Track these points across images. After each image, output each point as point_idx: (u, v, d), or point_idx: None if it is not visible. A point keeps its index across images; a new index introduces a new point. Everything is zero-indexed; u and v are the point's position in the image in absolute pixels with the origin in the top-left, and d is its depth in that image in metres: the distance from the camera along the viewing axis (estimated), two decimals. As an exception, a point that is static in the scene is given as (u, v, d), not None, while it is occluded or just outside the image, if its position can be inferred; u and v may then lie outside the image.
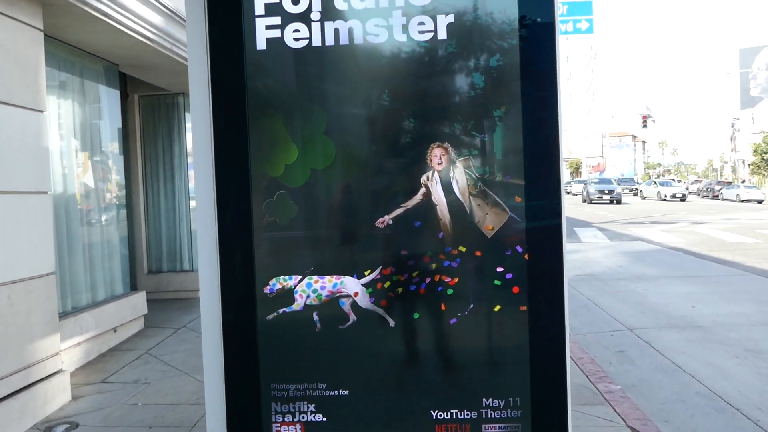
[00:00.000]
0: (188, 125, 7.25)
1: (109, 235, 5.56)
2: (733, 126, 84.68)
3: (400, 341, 2.28)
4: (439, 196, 2.22)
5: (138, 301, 5.78)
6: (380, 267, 2.24)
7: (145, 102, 7.14)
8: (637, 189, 47.93)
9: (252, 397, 2.32)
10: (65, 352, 4.50)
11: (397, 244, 2.24)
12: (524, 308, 2.20)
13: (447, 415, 2.23)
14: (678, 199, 39.28)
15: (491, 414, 2.22)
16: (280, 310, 2.27)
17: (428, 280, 2.23)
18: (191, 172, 7.39)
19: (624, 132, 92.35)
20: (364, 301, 2.25)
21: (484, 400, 2.23)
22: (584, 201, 37.09)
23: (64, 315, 4.61)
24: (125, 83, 6.51)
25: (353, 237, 2.31)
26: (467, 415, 2.22)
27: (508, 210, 2.20)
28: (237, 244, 2.27)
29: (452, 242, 2.22)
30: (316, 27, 2.19)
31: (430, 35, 2.17)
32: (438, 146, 2.20)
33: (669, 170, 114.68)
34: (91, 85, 5.23)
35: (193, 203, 7.20)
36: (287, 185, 2.24)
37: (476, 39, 2.18)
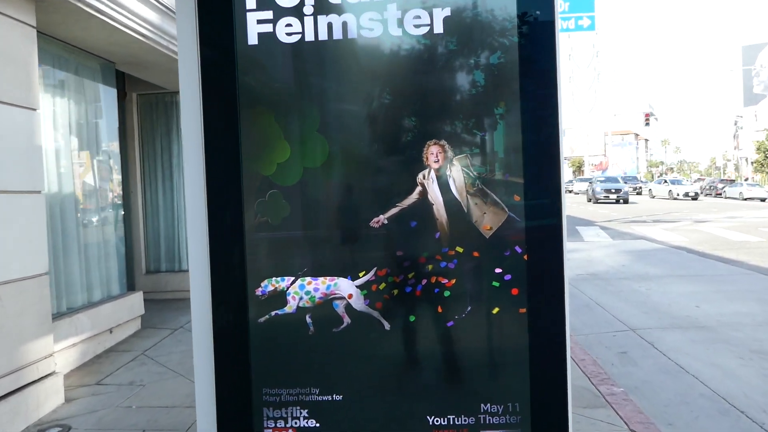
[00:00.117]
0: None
1: (106, 234, 5.51)
2: (736, 124, 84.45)
3: (395, 345, 2.22)
4: (435, 195, 2.15)
5: (135, 302, 5.72)
6: (375, 268, 2.17)
7: (143, 100, 7.08)
8: (641, 187, 47.40)
9: (243, 402, 2.25)
10: (60, 353, 4.45)
11: (393, 244, 2.18)
12: (523, 310, 2.13)
13: (444, 421, 2.16)
14: (690, 198, 38.22)
15: (490, 420, 2.16)
16: (272, 313, 2.21)
17: (424, 281, 2.16)
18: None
19: (626, 130, 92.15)
20: (358, 303, 2.19)
21: (482, 405, 2.16)
22: (589, 200, 35.92)
23: (58, 316, 4.56)
24: (123, 82, 6.45)
25: (347, 237, 2.24)
26: (465, 420, 2.16)
27: (506, 209, 2.13)
28: (228, 245, 2.21)
29: (449, 242, 2.15)
30: (309, 21, 2.13)
31: (426, 29, 2.10)
32: (434, 144, 2.14)
33: (672, 168, 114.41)
34: (87, 83, 5.17)
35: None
36: (280, 184, 2.18)
37: (474, 34, 2.11)
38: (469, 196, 2.15)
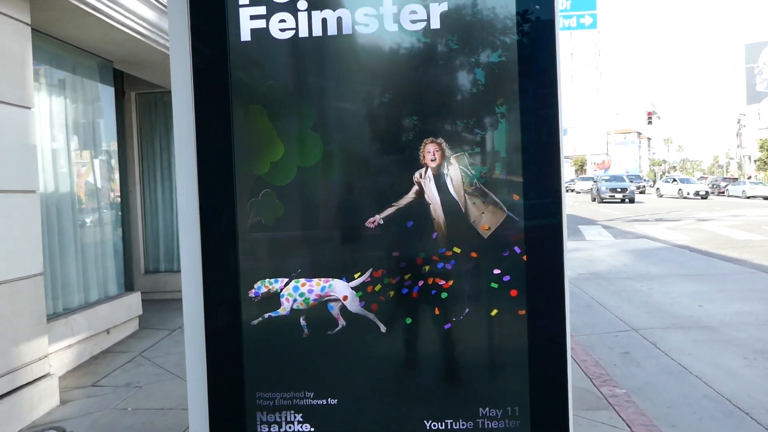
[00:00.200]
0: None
1: (103, 234, 5.47)
2: (738, 122, 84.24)
3: (391, 347, 2.17)
4: (432, 195, 2.10)
5: (132, 302, 5.68)
6: (371, 269, 2.12)
7: (142, 99, 7.04)
8: (644, 186, 47.00)
9: (236, 406, 2.21)
10: (55, 354, 4.41)
11: (389, 245, 2.13)
12: (523, 312, 2.08)
13: (442, 426, 2.11)
14: (700, 197, 36.99)
15: (488, 424, 2.11)
16: (266, 315, 2.16)
17: (421, 283, 2.11)
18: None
19: (629, 129, 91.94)
20: (353, 305, 2.14)
21: (480, 409, 2.12)
22: (593, 200, 34.72)
23: (54, 317, 4.51)
24: (122, 81, 6.40)
25: (342, 238, 2.19)
26: (463, 425, 2.11)
27: (505, 209, 2.08)
28: (220, 246, 2.16)
29: (446, 243, 2.10)
30: (302, 17, 2.08)
31: (422, 25, 2.05)
32: (431, 142, 2.09)
33: (674, 167, 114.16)
34: (84, 82, 5.12)
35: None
36: (273, 184, 2.13)
37: (472, 31, 2.06)
38: (466, 196, 2.10)
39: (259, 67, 2.14)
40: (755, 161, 58.16)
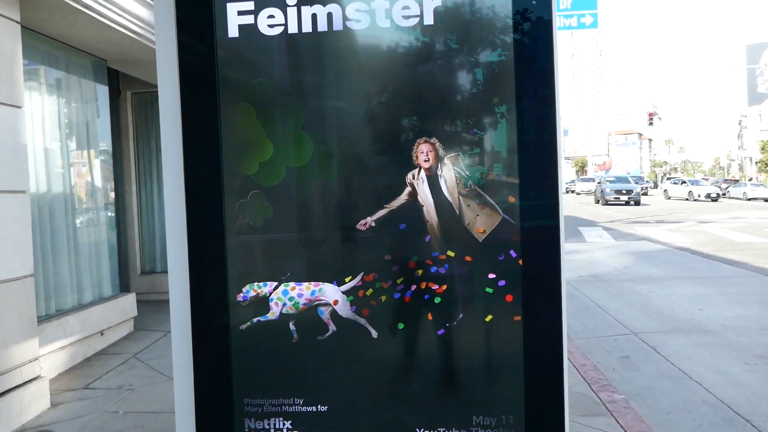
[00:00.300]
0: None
1: (97, 235, 5.41)
2: (740, 123, 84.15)
3: (383, 353, 2.10)
4: (425, 196, 2.04)
5: (127, 303, 5.62)
6: (362, 273, 2.06)
7: (138, 99, 6.98)
8: (647, 188, 46.42)
9: (224, 413, 2.15)
10: (48, 356, 4.35)
11: (381, 248, 2.07)
12: (518, 318, 2.02)
13: (434, 434, 2.05)
14: (710, 200, 35.96)
15: (482, 432, 2.05)
16: (255, 320, 2.11)
17: (414, 287, 2.05)
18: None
19: (630, 130, 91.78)
20: (344, 309, 2.08)
21: (474, 417, 2.05)
22: (597, 202, 33.44)
23: (47, 318, 4.46)
24: (117, 80, 6.35)
25: (333, 241, 2.13)
26: (456, 433, 2.05)
27: (501, 211, 2.02)
28: (208, 248, 2.10)
29: (440, 246, 2.04)
30: (292, 12, 2.02)
31: (415, 21, 1.99)
32: (425, 142, 2.02)
33: (675, 168, 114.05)
34: (78, 81, 5.07)
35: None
36: (262, 184, 2.07)
37: (467, 27, 2.00)
38: (461, 197, 2.04)
39: (248, 64, 2.08)
40: (756, 163, 58.03)
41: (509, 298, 2.02)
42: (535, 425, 2.02)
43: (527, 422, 2.02)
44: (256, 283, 2.10)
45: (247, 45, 2.05)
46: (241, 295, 2.10)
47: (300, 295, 2.10)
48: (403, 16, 1.98)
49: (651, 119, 51.46)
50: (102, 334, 5.19)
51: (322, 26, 2.01)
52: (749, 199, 37.18)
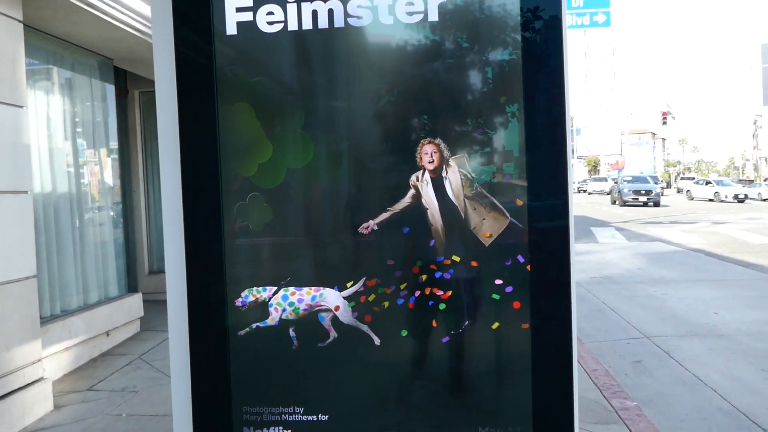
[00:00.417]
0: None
1: (103, 235, 5.38)
2: (755, 123, 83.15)
3: (385, 361, 2.03)
4: (430, 199, 1.96)
5: (133, 304, 5.59)
6: (364, 278, 1.99)
7: (146, 98, 6.96)
8: (662, 188, 45.20)
9: (222, 421, 2.09)
10: (52, 357, 4.32)
11: (383, 252, 1.99)
12: (526, 326, 1.94)
13: (438, 446, 1.97)
14: (737, 201, 34.20)
15: (488, 444, 1.97)
16: (254, 325, 2.04)
17: (418, 293, 1.97)
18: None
19: (643, 129, 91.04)
20: (345, 315, 2.01)
21: (480, 428, 1.98)
22: (614, 202, 32.00)
23: (51, 319, 4.43)
24: (125, 79, 6.32)
25: (334, 244, 2.06)
26: (461, 445, 1.97)
27: (508, 215, 1.94)
28: (205, 252, 2.04)
29: (445, 251, 1.96)
30: (292, 9, 1.95)
31: (419, 17, 1.91)
32: (429, 142, 1.95)
33: (689, 168, 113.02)
34: (84, 80, 5.04)
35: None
36: (261, 186, 2.00)
37: (473, 24, 1.92)
38: (467, 200, 1.96)
39: (247, 62, 2.01)
40: (772, 163, 57.27)
41: (517, 305, 1.94)
42: (544, 437, 1.94)
43: (535, 434, 1.94)
44: (255, 288, 2.04)
45: (246, 43, 1.98)
46: (240, 300, 2.04)
47: (300, 301, 2.03)
48: (406, 13, 1.91)
49: (664, 118, 50.90)
50: (108, 335, 5.16)
51: (322, 23, 1.94)
52: (764, 200, 36.51)
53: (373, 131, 2.00)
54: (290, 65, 2.02)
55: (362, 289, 1.99)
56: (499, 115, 1.94)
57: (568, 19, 2.08)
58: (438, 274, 1.97)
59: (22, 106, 3.59)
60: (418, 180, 1.95)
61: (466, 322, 1.98)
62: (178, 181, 2.02)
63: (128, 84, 6.39)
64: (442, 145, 1.94)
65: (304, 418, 2.05)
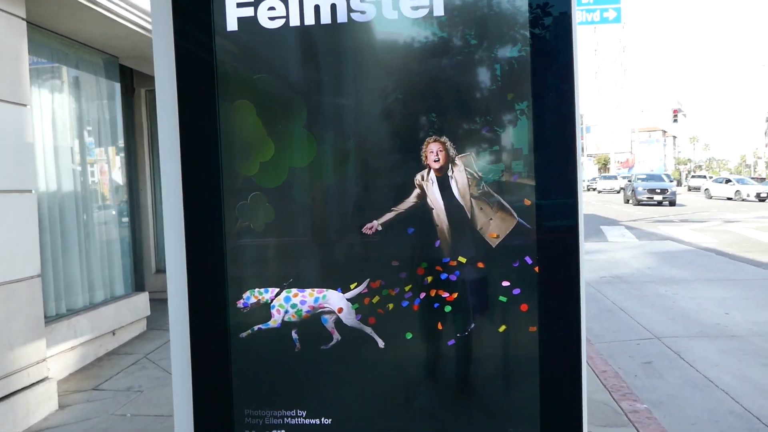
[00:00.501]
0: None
1: (109, 234, 5.37)
2: (767, 120, 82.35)
3: (389, 365, 1.99)
4: (435, 199, 1.91)
5: (140, 303, 5.58)
6: (368, 280, 1.95)
7: (153, 96, 6.93)
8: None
9: (224, 424, 2.05)
10: (57, 356, 4.31)
11: (388, 253, 1.94)
12: (534, 329, 1.89)
13: (443, 452, 1.93)
14: (759, 200, 32.27)
15: (495, 449, 1.92)
16: (255, 327, 2.00)
17: (423, 295, 1.93)
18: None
19: (654, 127, 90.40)
20: (349, 318, 1.96)
21: (486, 433, 1.93)
22: (627, 201, 30.75)
23: (57, 318, 4.42)
24: (131, 77, 6.31)
25: (337, 245, 2.02)
26: (466, 451, 1.92)
27: (515, 215, 1.89)
28: (206, 253, 2.00)
29: (451, 252, 1.91)
30: (293, 4, 1.90)
31: (424, 12, 1.86)
32: (434, 141, 1.90)
33: (700, 166, 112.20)
34: (89, 78, 5.02)
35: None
36: (263, 186, 1.96)
37: (480, 19, 1.87)
38: (473, 200, 1.91)
39: (248, 59, 1.97)
40: (784, 161, 56.69)
41: (524, 307, 1.89)
42: (552, 443, 1.89)
43: (543, 438, 1.89)
44: (257, 290, 2.00)
45: (247, 39, 1.94)
46: (242, 301, 2.00)
47: (303, 302, 1.99)
48: (411, 7, 1.86)
49: (675, 116, 50.46)
50: (114, 334, 5.15)
51: (325, 18, 1.89)
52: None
53: (378, 129, 1.96)
54: (292, 62, 1.98)
55: (366, 290, 1.95)
56: (507, 113, 1.89)
57: (577, 15, 2.02)
58: (444, 276, 1.92)
59: (25, 105, 3.57)
60: (423, 179, 1.91)
61: (473, 325, 1.93)
62: (179, 181, 1.99)
63: (134, 82, 6.38)
64: (448, 143, 1.89)
65: (307, 421, 2.01)
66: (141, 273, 6.39)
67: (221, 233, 1.98)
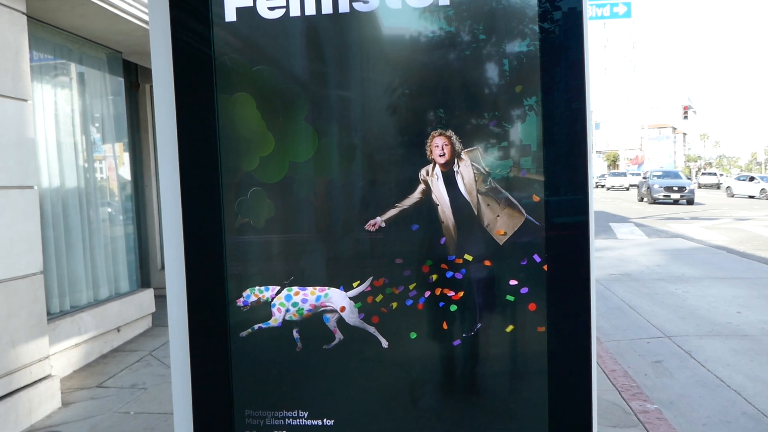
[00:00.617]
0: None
1: (114, 230, 5.34)
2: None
3: (393, 365, 1.93)
4: (440, 194, 1.85)
5: (144, 299, 5.55)
6: (371, 278, 1.89)
7: (158, 92, 6.89)
8: None
9: (223, 425, 2.00)
10: (61, 354, 4.28)
11: (391, 250, 1.88)
12: (542, 329, 1.83)
13: (448, 455, 1.87)
14: None
15: (501, 454, 1.87)
16: (256, 326, 1.95)
17: (428, 293, 1.87)
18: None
19: (664, 123, 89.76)
20: (351, 317, 1.91)
21: (492, 435, 1.87)
22: (641, 200, 29.57)
23: (61, 315, 4.39)
24: (136, 73, 6.28)
25: (340, 242, 1.96)
26: (472, 454, 1.87)
27: (524, 211, 1.82)
28: (205, 250, 1.95)
29: (456, 249, 1.85)
30: (294, -7, 1.84)
31: (429, 1, 1.80)
32: (440, 134, 1.83)
33: (710, 163, 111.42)
34: (92, 74, 4.98)
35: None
36: (263, 181, 1.90)
37: (486, 8, 1.80)
38: (480, 196, 1.85)
39: (247, 50, 1.91)
40: (796, 158, 56.12)
41: (532, 306, 1.83)
42: (560, 446, 1.83)
43: (551, 442, 1.83)
44: (257, 287, 1.95)
45: (246, 30, 1.88)
46: (241, 300, 1.95)
47: (304, 301, 1.94)
48: (415, -4, 1.79)
49: (686, 113, 50.05)
50: (118, 331, 5.12)
51: (326, 8, 1.83)
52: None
53: (381, 123, 1.90)
54: (293, 53, 1.92)
55: (369, 289, 1.89)
56: (515, 107, 1.82)
57: (588, 10, 1.95)
58: (449, 274, 1.86)
59: (26, 100, 3.53)
60: (428, 174, 1.85)
61: (479, 325, 1.87)
62: (177, 176, 1.94)
63: (139, 78, 6.34)
64: (454, 137, 1.83)
65: (309, 422, 1.96)
66: (146, 269, 6.37)
67: (220, 230, 1.93)
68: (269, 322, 1.95)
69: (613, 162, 77.72)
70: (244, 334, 1.95)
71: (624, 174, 48.14)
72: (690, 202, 27.52)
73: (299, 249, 1.97)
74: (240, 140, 1.90)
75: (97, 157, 5.19)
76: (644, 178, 31.75)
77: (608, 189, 43.44)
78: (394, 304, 1.88)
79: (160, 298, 5.98)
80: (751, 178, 35.90)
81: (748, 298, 7.23)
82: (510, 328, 1.86)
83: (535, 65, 1.79)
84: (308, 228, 1.97)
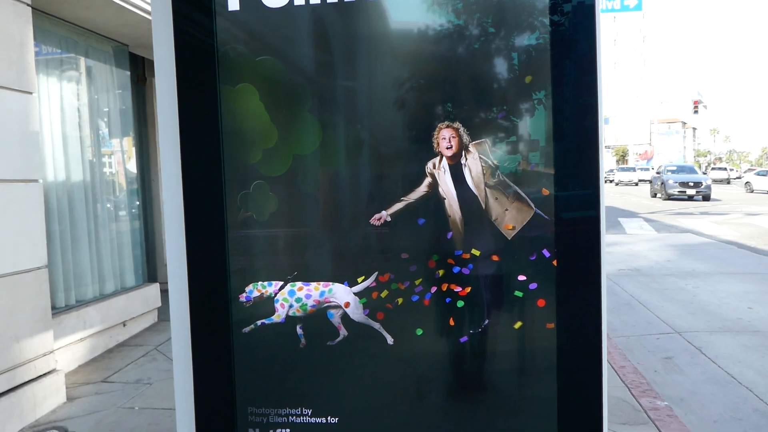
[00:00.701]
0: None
1: (120, 224, 5.32)
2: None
3: (398, 362, 1.89)
4: (447, 188, 1.81)
5: (150, 294, 5.53)
6: (376, 273, 1.85)
7: (165, 86, 6.86)
8: None
9: (226, 422, 1.98)
10: (66, 348, 4.27)
11: (397, 245, 1.85)
12: (551, 326, 1.79)
13: (454, 453, 1.83)
14: None
15: (509, 453, 1.83)
16: (259, 322, 1.92)
17: (434, 289, 1.83)
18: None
19: (673, 118, 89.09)
20: (356, 313, 1.87)
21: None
22: (654, 195, 28.15)
23: (66, 309, 4.38)
24: (143, 66, 6.24)
25: (344, 236, 1.92)
26: (479, 454, 1.83)
27: (533, 205, 1.78)
28: (207, 244, 1.92)
29: (463, 244, 1.81)
30: (298, -19, 1.80)
31: (436, -11, 1.75)
32: (447, 126, 1.79)
33: (720, 158, 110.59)
34: (98, 67, 4.96)
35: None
36: (266, 174, 1.87)
37: (497, 1, 1.75)
38: (488, 190, 1.81)
39: (250, 40, 1.87)
40: (807, 152, 55.55)
41: (541, 302, 1.79)
42: (570, 445, 1.79)
43: (561, 441, 1.79)
44: (260, 283, 1.92)
45: (250, 19, 1.85)
46: (244, 295, 1.92)
47: (308, 296, 1.90)
48: (422, -16, 1.75)
49: (696, 107, 49.62)
50: (124, 325, 5.11)
51: (331, -4, 1.79)
52: None
53: (387, 114, 1.85)
54: (297, 43, 1.88)
55: (374, 284, 1.86)
56: (524, 99, 1.77)
57: (600, 2, 1.89)
58: (456, 269, 1.83)
59: (31, 93, 3.51)
60: (434, 167, 1.80)
61: (486, 321, 1.83)
62: (179, 169, 1.90)
63: (146, 71, 6.31)
64: (462, 129, 1.78)
65: (313, 420, 1.93)
66: (153, 263, 6.36)
67: (223, 224, 1.90)
68: (272, 317, 1.92)
69: (622, 157, 77.27)
70: (246, 330, 1.93)
71: (633, 169, 47.82)
72: (706, 198, 26.06)
73: (303, 243, 1.93)
74: (243, 132, 1.86)
75: (103, 151, 5.17)
76: (657, 173, 30.50)
77: (617, 184, 43.16)
78: (400, 300, 1.85)
79: (167, 293, 5.97)
80: None
81: (759, 293, 7.14)
82: (518, 324, 1.82)
83: (545, 59, 1.74)
84: (312, 222, 1.93)
